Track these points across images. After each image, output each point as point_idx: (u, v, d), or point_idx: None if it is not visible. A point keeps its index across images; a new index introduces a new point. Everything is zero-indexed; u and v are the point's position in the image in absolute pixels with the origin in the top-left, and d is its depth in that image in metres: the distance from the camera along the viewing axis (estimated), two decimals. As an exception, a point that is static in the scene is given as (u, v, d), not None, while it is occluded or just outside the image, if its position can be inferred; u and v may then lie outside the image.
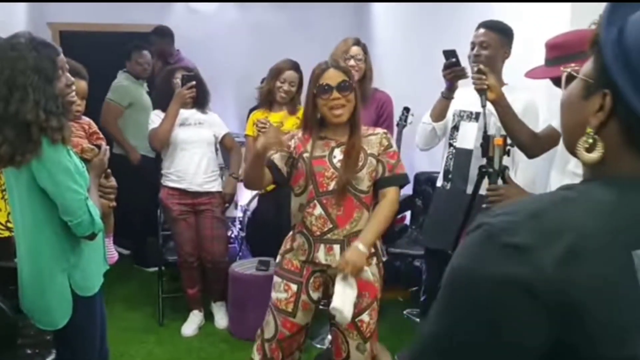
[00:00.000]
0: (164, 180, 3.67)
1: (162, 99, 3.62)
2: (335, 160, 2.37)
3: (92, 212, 1.94)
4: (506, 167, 2.26)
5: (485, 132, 2.37)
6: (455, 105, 2.86)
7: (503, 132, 2.38)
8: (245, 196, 4.77)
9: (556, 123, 2.44)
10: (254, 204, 4.35)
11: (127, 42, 4.91)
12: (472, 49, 2.77)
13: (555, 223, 0.74)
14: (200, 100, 3.63)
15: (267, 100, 3.59)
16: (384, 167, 2.40)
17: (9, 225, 2.50)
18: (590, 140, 0.80)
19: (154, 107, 3.72)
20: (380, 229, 2.36)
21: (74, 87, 2.03)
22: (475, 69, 2.45)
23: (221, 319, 3.81)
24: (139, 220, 4.69)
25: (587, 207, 0.76)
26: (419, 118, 4.08)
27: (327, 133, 2.42)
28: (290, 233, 2.50)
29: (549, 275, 0.71)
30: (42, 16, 5.22)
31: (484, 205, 2.17)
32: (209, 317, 3.85)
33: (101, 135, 2.56)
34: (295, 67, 3.55)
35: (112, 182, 2.31)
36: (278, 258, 2.53)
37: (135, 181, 4.26)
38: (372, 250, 2.39)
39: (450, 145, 2.95)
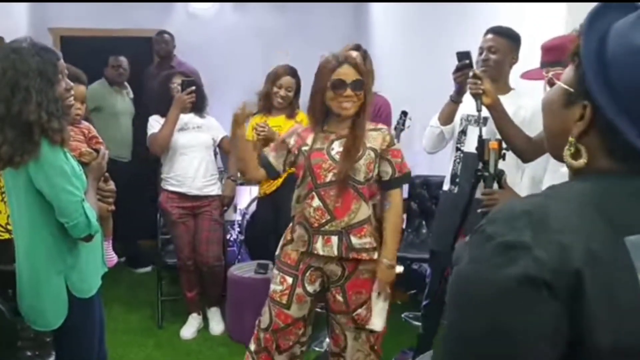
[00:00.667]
0: (164, 184, 3.70)
1: (159, 104, 3.64)
2: (333, 152, 2.41)
3: (88, 214, 1.95)
4: (502, 171, 2.27)
5: (480, 136, 2.39)
6: (463, 110, 2.86)
7: (499, 136, 2.40)
8: (244, 199, 4.79)
9: None
10: (253, 207, 4.37)
11: (128, 47, 4.96)
12: (480, 53, 2.77)
13: (546, 218, 0.77)
14: (198, 105, 3.65)
15: (265, 104, 3.61)
16: (393, 168, 2.46)
17: (9, 227, 2.52)
18: (573, 149, 0.84)
19: (152, 112, 3.72)
20: (397, 237, 2.49)
21: (72, 92, 2.06)
22: (471, 73, 2.47)
23: (217, 325, 3.82)
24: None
25: (574, 201, 0.80)
26: (416, 122, 4.12)
27: (330, 126, 2.46)
28: (291, 224, 2.54)
29: (550, 266, 0.73)
30: (43, 21, 5.25)
31: (479, 210, 2.19)
32: (207, 320, 3.87)
33: (100, 140, 2.59)
34: (292, 72, 3.58)
35: (111, 185, 2.33)
36: (278, 251, 2.57)
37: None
38: (374, 244, 2.43)
39: (458, 149, 2.96)
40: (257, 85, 3.74)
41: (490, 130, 2.58)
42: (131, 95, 5.03)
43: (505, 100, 2.52)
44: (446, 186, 3.06)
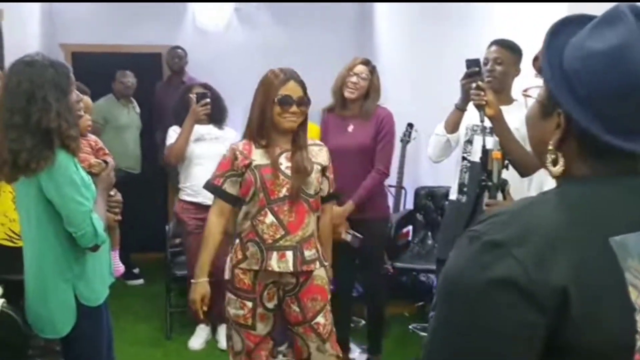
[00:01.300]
0: (180, 194, 3.77)
1: (178, 115, 3.70)
2: (283, 167, 2.42)
3: (95, 224, 2.00)
4: (505, 181, 2.29)
5: (484, 146, 2.41)
6: (469, 119, 2.88)
7: (502, 146, 2.43)
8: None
9: None
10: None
11: (137, 62, 5.05)
12: (486, 64, 2.80)
13: (531, 220, 0.80)
14: (216, 117, 3.72)
15: None
16: (329, 184, 2.59)
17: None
18: (553, 156, 0.87)
19: (173, 123, 3.78)
20: (330, 245, 2.68)
21: (82, 104, 2.13)
22: (474, 84, 2.50)
23: (225, 340, 3.82)
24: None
25: (559, 204, 0.83)
26: (422, 134, 4.16)
27: (270, 140, 2.44)
28: (237, 242, 2.48)
29: (530, 267, 0.75)
30: (55, 37, 5.35)
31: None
32: (216, 333, 3.88)
33: (107, 151, 2.63)
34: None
35: (118, 196, 2.38)
36: (228, 273, 2.51)
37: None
38: (317, 254, 2.48)
39: (464, 158, 2.98)
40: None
41: (495, 140, 2.60)
42: (137, 109, 5.13)
43: (508, 111, 2.55)
44: (453, 196, 3.07)
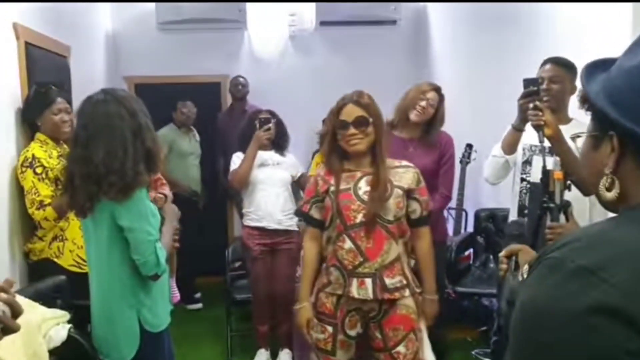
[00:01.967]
0: (245, 220, 3.83)
1: (243, 141, 3.76)
2: (360, 192, 2.38)
3: (158, 253, 2.06)
4: (568, 203, 2.22)
5: (544, 166, 2.35)
6: (525, 139, 2.82)
7: (563, 166, 2.36)
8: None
9: None
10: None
11: (196, 92, 5.20)
12: (541, 83, 2.75)
13: (615, 243, 0.76)
14: (278, 142, 3.79)
15: None
16: (421, 206, 2.46)
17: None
18: (610, 180, 0.85)
19: (237, 149, 3.86)
20: (432, 272, 2.51)
21: None
22: (531, 105, 2.45)
23: None
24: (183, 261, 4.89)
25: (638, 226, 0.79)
26: (481, 155, 4.08)
27: (350, 165, 2.45)
28: (324, 266, 2.50)
29: (626, 292, 0.70)
30: (118, 71, 5.59)
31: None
32: (275, 356, 3.89)
33: (164, 180, 2.71)
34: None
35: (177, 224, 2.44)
36: (313, 297, 2.51)
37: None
38: (404, 282, 2.41)
39: (523, 179, 2.91)
40: (317, 125, 3.86)
41: (555, 160, 2.53)
42: (197, 137, 5.28)
43: (566, 130, 2.48)
44: (513, 218, 3.00)
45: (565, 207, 2.20)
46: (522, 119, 2.64)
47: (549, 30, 3.46)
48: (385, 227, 2.36)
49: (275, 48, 5.85)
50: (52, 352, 2.23)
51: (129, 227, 2.03)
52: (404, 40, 5.92)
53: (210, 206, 5.31)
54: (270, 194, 3.71)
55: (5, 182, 2.93)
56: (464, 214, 4.48)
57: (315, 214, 2.50)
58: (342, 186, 2.41)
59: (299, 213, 2.63)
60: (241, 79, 5.37)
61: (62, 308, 2.59)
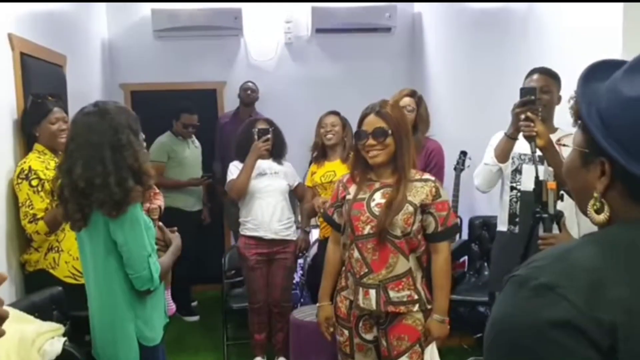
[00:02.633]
0: (241, 229, 3.80)
1: (241, 150, 3.75)
2: (372, 204, 2.37)
3: (152, 269, 2.06)
4: (561, 213, 2.23)
5: (537, 177, 2.36)
6: (515, 148, 2.84)
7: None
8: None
9: None
10: (314, 249, 4.41)
11: (193, 99, 5.18)
12: (525, 95, 2.76)
13: (578, 261, 0.80)
14: (276, 151, 3.79)
15: (319, 153, 3.77)
16: (437, 221, 2.38)
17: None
18: (598, 204, 0.87)
19: (234, 157, 3.84)
20: (445, 291, 2.42)
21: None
22: (523, 116, 2.46)
23: None
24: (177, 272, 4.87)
25: (606, 245, 0.82)
26: (475, 161, 4.10)
27: (372, 175, 2.46)
28: (343, 269, 2.55)
29: (582, 307, 0.74)
30: (115, 78, 5.60)
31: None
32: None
33: (157, 190, 2.70)
34: (334, 112, 3.76)
35: (166, 235, 2.44)
36: (335, 297, 2.57)
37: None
38: (415, 297, 2.38)
39: (513, 188, 2.92)
40: (312, 137, 3.88)
41: (547, 170, 2.54)
42: (197, 144, 5.17)
43: (552, 139, 2.49)
44: (503, 227, 3.00)
45: (559, 217, 2.21)
46: (516, 128, 2.64)
47: (545, 34, 3.47)
48: (392, 242, 2.34)
49: (271, 55, 5.86)
50: (47, 366, 2.23)
51: (123, 242, 2.03)
52: (399, 48, 5.94)
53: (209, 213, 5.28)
54: (267, 203, 3.71)
55: (1, 192, 2.93)
56: (458, 220, 4.48)
57: (337, 218, 2.57)
58: (360, 195, 2.42)
59: (324, 215, 2.69)
60: (250, 84, 5.32)
61: (58, 319, 2.60)
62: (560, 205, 2.26)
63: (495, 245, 3.17)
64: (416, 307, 2.38)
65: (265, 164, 3.75)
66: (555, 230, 2.22)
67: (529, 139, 2.42)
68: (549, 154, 2.42)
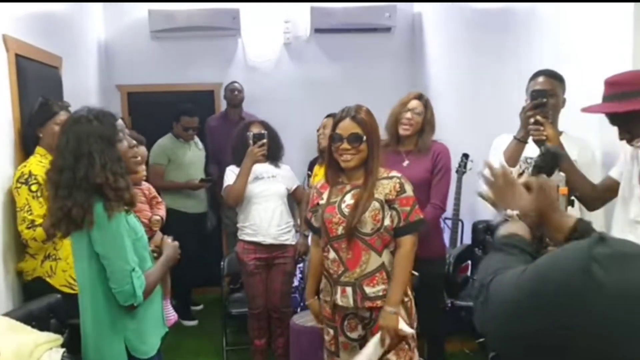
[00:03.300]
0: (239, 234, 3.74)
1: (237, 154, 3.69)
2: (343, 206, 2.49)
3: (135, 284, 1.98)
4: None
5: (546, 182, 2.32)
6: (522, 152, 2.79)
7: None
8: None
9: (614, 173, 2.37)
10: (313, 254, 4.36)
11: (189, 100, 5.13)
12: (536, 97, 2.71)
13: None
14: (273, 155, 3.71)
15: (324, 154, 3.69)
16: (399, 216, 2.47)
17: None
18: None
19: (230, 162, 3.78)
20: (400, 283, 2.45)
21: (136, 149, 2.14)
22: (532, 120, 2.41)
23: None
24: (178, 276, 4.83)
25: None
26: (478, 164, 4.05)
27: (344, 177, 2.56)
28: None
29: None
30: (111, 79, 5.53)
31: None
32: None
33: (160, 199, 2.65)
34: (332, 115, 3.65)
35: (157, 241, 2.38)
36: (320, 296, 2.67)
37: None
38: (382, 292, 2.46)
39: None
40: (311, 138, 3.83)
41: (560, 176, 2.49)
42: (200, 146, 5.10)
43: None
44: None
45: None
46: (526, 131, 2.59)
47: (547, 35, 3.42)
48: (363, 240, 2.45)
49: (269, 56, 5.81)
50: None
51: (103, 255, 1.97)
52: (399, 48, 5.89)
53: (207, 216, 5.21)
54: (265, 208, 3.65)
55: (-2, 197, 2.88)
56: (460, 224, 4.45)
57: (315, 221, 2.65)
58: (332, 199, 2.54)
59: (305, 220, 2.77)
60: (236, 85, 5.28)
61: (56, 328, 2.55)
62: (569, 211, 2.21)
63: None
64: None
65: (261, 168, 3.67)
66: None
67: (539, 143, 2.37)
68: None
